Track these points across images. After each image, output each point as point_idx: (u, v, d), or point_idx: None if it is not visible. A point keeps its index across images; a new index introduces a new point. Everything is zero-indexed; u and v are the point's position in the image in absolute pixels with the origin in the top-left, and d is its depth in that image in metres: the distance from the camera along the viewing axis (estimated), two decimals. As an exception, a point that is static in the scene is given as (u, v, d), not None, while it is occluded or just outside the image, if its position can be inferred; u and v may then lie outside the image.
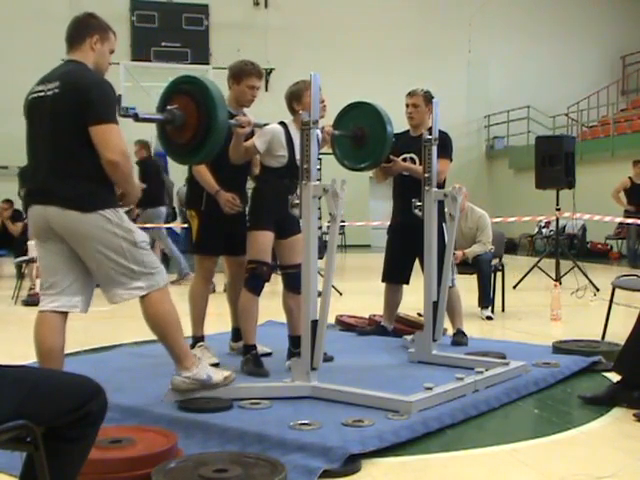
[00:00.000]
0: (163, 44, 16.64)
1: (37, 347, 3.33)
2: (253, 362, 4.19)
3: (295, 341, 4.19)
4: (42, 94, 3.30)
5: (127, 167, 3.28)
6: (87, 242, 3.24)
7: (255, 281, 4.19)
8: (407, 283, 5.33)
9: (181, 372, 3.44)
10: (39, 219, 3.32)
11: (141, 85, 13.33)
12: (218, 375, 3.52)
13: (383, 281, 5.35)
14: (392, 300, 5.36)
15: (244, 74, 4.42)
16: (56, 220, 3.25)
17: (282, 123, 4.31)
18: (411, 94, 5.15)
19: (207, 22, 17.10)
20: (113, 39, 3.46)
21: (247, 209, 4.46)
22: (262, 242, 4.20)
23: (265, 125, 4.30)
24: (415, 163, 5.04)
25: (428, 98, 5.10)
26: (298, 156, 4.10)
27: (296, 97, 4.27)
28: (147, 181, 7.18)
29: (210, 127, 3.42)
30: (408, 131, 5.25)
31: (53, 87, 3.26)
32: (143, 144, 9.56)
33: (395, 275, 5.30)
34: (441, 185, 4.81)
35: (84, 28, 3.37)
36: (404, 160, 5.07)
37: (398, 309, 5.47)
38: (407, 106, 5.15)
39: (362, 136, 4.58)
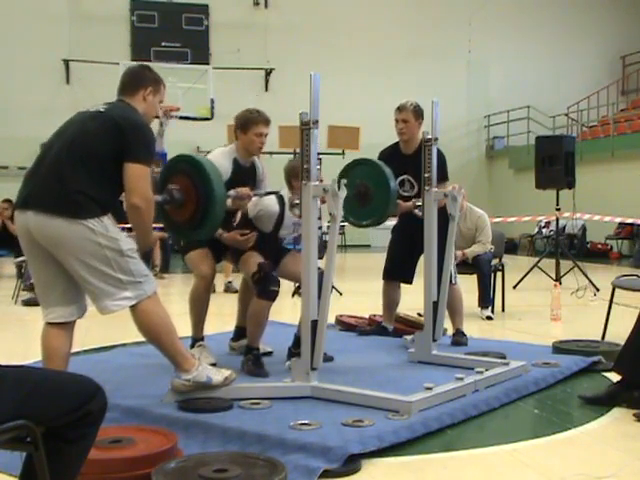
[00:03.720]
0: (163, 44, 16.64)
1: (42, 348, 3.35)
2: (253, 362, 4.19)
3: (299, 341, 4.19)
4: (86, 110, 3.42)
5: (148, 213, 3.31)
6: (70, 253, 3.20)
7: (264, 285, 4.16)
8: (409, 283, 5.31)
9: (181, 375, 3.43)
10: (21, 226, 3.29)
11: (141, 85, 13.33)
12: (218, 376, 3.51)
13: (383, 278, 5.33)
14: (390, 299, 5.34)
15: (250, 123, 4.41)
16: (37, 228, 3.21)
17: (280, 197, 4.34)
18: (400, 109, 5.01)
19: (207, 22, 17.10)
20: (163, 91, 3.59)
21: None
22: (254, 256, 4.26)
23: (266, 194, 4.33)
24: (412, 185, 4.97)
25: (418, 112, 5.00)
26: (283, 230, 4.33)
27: (295, 174, 4.16)
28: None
29: (208, 203, 3.50)
30: (398, 146, 5.15)
31: (99, 107, 3.38)
32: None
33: (395, 272, 5.28)
34: (441, 208, 4.66)
35: (139, 80, 3.51)
36: (402, 182, 5.01)
37: (397, 309, 5.46)
38: (397, 122, 5.03)
39: (366, 193, 4.59)
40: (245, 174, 4.45)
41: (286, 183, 4.40)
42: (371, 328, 5.63)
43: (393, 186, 4.53)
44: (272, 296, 4.18)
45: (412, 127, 5.00)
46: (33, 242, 3.27)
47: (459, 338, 5.19)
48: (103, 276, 3.22)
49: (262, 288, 4.18)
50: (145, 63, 3.65)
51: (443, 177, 4.89)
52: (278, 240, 4.53)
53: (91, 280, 3.23)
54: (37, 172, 3.30)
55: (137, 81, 3.51)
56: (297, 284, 4.55)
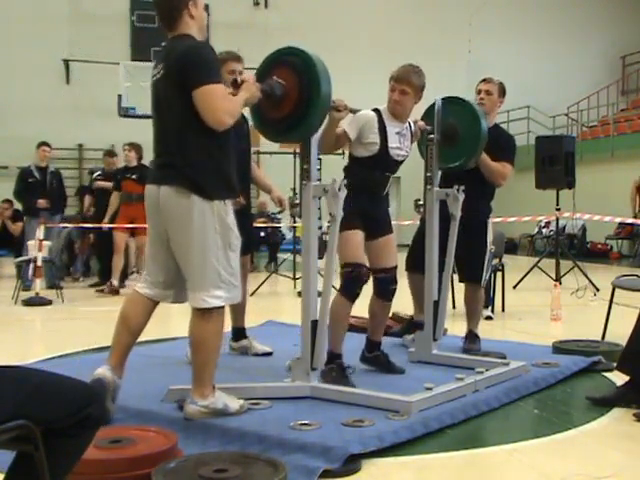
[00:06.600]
0: (163, 44, 16.62)
1: (120, 320, 3.38)
2: (338, 372, 3.91)
3: (371, 345, 4.28)
4: (154, 78, 3.28)
5: (235, 118, 3.16)
6: (186, 228, 3.14)
7: (353, 285, 3.92)
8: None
9: (197, 400, 3.26)
10: (151, 198, 3.25)
11: (141, 85, 13.32)
12: (234, 404, 3.33)
13: (407, 269, 4.96)
14: (420, 289, 4.88)
15: (220, 62, 4.45)
16: (165, 201, 3.17)
17: (376, 110, 4.08)
18: (486, 80, 5.02)
19: (207, 22, 17.06)
20: None
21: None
22: (355, 242, 3.93)
23: (358, 111, 4.04)
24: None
25: (502, 90, 5.00)
26: (392, 144, 4.02)
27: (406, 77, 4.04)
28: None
29: (311, 102, 3.20)
30: None
31: (159, 70, 3.24)
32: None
33: (421, 263, 4.78)
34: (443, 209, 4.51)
35: (177, 2, 3.26)
36: None
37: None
38: (479, 92, 4.97)
39: (454, 134, 4.42)
40: None
41: (391, 89, 4.06)
42: (403, 327, 5.28)
43: (484, 125, 4.39)
44: (353, 298, 3.97)
45: (494, 100, 4.96)
46: (157, 210, 3.22)
47: (472, 345, 4.88)
48: (205, 263, 3.15)
49: (347, 285, 3.94)
50: None
51: (507, 158, 4.86)
52: (385, 204, 4.17)
53: (193, 263, 3.17)
54: (159, 152, 3.27)
55: (176, 6, 3.25)
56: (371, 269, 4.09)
